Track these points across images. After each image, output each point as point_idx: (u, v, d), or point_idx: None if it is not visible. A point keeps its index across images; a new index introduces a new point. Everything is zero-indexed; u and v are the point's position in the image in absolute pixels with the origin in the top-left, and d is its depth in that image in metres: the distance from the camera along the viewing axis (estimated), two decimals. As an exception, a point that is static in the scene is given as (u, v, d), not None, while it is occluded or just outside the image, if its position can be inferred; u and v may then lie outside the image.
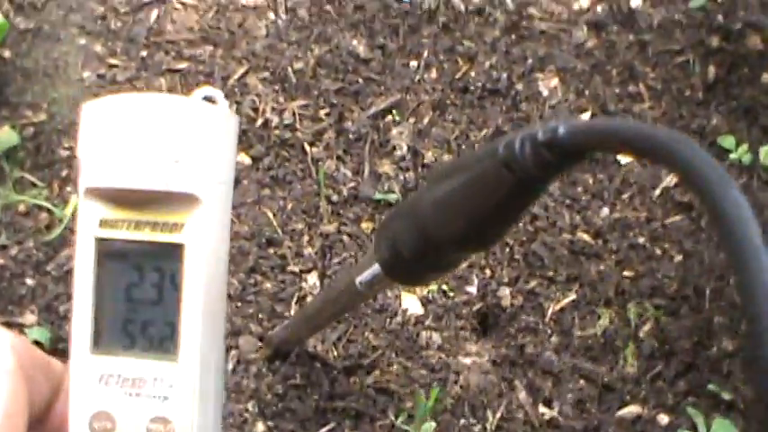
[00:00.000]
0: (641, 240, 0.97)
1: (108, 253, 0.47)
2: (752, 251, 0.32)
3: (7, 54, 1.03)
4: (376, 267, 0.58)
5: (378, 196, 0.95)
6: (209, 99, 0.49)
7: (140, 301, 0.47)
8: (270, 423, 0.81)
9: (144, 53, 1.04)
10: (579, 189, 0.99)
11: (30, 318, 0.86)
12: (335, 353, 0.86)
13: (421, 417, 0.76)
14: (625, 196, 1.00)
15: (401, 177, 0.96)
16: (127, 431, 0.46)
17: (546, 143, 0.41)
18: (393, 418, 0.82)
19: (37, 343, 0.82)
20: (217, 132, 0.48)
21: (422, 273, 0.54)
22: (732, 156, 1.03)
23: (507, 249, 0.94)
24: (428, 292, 0.90)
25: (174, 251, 0.47)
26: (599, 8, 1.13)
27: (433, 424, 0.79)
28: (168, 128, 0.46)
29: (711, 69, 1.10)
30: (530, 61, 1.07)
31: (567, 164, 0.42)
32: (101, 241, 0.47)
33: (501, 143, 0.43)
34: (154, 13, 1.07)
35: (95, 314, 0.46)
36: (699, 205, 1.00)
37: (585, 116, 1.04)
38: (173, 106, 0.46)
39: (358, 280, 0.61)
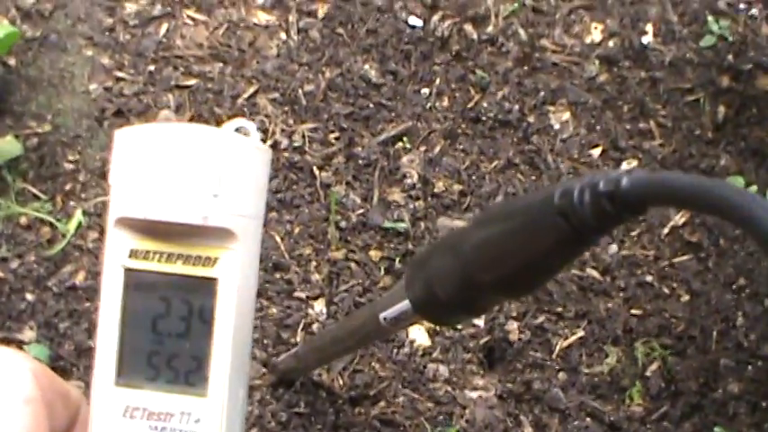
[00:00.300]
0: (649, 279, 0.96)
1: (137, 284, 0.46)
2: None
3: (13, 62, 1.01)
4: (405, 304, 0.56)
5: (387, 224, 0.93)
6: (241, 130, 0.48)
7: (169, 334, 0.46)
8: (272, 452, 0.79)
9: (152, 67, 1.03)
10: (588, 224, 0.98)
11: (29, 334, 0.84)
12: (341, 382, 0.84)
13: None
14: (634, 234, 0.99)
15: (411, 206, 0.95)
16: None
17: (608, 194, 0.40)
18: (398, 452, 0.81)
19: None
20: (253, 166, 0.47)
21: (455, 314, 0.53)
22: (740, 197, 1.03)
23: (516, 283, 0.93)
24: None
25: (208, 285, 0.46)
26: (610, 43, 1.13)
27: (442, 461, 0.77)
28: (206, 160, 0.45)
29: (721, 109, 1.10)
30: (542, 93, 1.06)
31: (628, 216, 0.41)
32: (129, 272, 0.46)
33: (557, 190, 0.42)
34: (163, 28, 1.06)
35: (120, 345, 0.46)
36: (708, 245, 1.00)
37: (596, 151, 1.04)
38: (211, 138, 0.45)
39: (383, 315, 0.59)
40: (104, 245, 0.44)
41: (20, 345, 0.82)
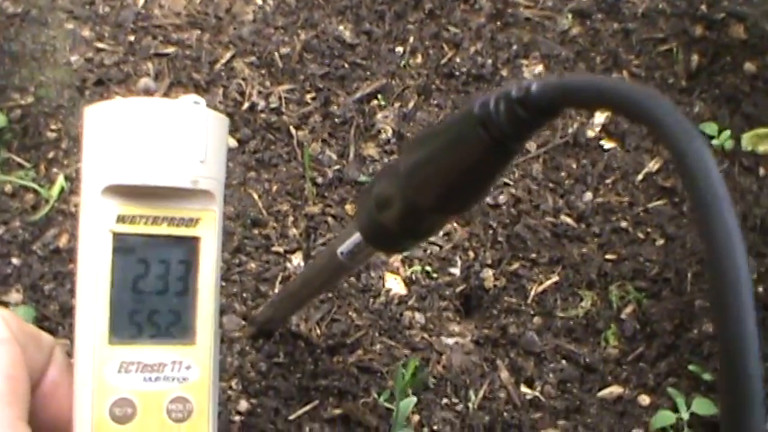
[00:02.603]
0: (624, 224, 0.98)
1: (124, 247, 0.50)
2: (712, 190, 0.33)
3: (-5, 37, 1.04)
4: (357, 236, 0.58)
5: (363, 179, 0.95)
6: (196, 104, 0.52)
7: (155, 291, 0.51)
8: (253, 401, 0.81)
9: (131, 38, 1.05)
10: (563, 174, 1.00)
11: (15, 296, 0.86)
12: (319, 332, 0.86)
13: (401, 390, 0.77)
14: (608, 181, 1.01)
15: (386, 160, 0.97)
16: (147, 414, 0.50)
17: (520, 100, 0.42)
18: (376, 396, 0.83)
19: (22, 321, 0.82)
20: (224, 135, 0.53)
21: (401, 239, 0.55)
22: (714, 142, 1.04)
23: (491, 232, 0.95)
24: (411, 273, 0.91)
25: (191, 244, 0.51)
26: (585, -3, 1.14)
27: (414, 398, 0.79)
28: (192, 130, 0.50)
29: (695, 58, 1.11)
30: (514, 48, 1.08)
31: (541, 120, 0.43)
32: (117, 236, 0.49)
33: (476, 103, 0.44)
34: (141, -2, 1.08)
35: (111, 307, 0.50)
36: (682, 190, 1.01)
37: (569, 102, 1.05)
38: (192, 111, 0.50)
39: (339, 250, 0.61)
40: (84, 212, 0.49)
41: (6, 307, 0.84)
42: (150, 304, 0.51)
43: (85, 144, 0.50)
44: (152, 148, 0.49)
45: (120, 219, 0.50)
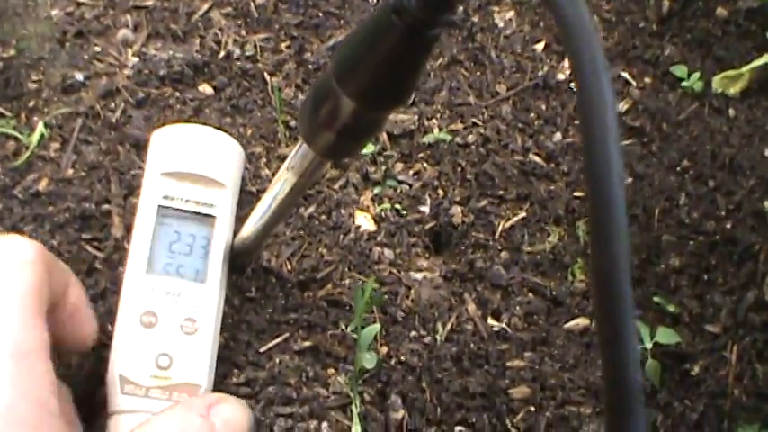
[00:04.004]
0: (593, 164, 0.99)
1: (164, 215, 0.79)
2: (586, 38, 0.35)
3: (-23, -8, 1.06)
4: (303, 146, 0.61)
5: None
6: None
7: (183, 253, 0.78)
8: (226, 334, 0.84)
9: (111, -9, 1.07)
10: (532, 115, 1.02)
11: (-5, 237, 0.88)
12: (289, 267, 0.88)
13: (360, 312, 0.79)
14: (577, 122, 1.02)
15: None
16: (166, 324, 0.75)
17: None
18: (344, 328, 0.85)
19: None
20: (238, 153, 0.85)
21: (343, 142, 0.57)
22: (684, 84, 1.06)
23: (459, 170, 0.96)
24: (381, 211, 0.93)
25: (210, 220, 0.80)
26: (557, -55, 1.15)
27: (377, 326, 0.81)
28: (216, 145, 0.84)
29: (666, 3, 1.13)
30: (485, -6, 1.09)
31: (443, 3, 0.45)
32: (161, 208, 0.79)
33: None
34: (121, -47, 1.10)
35: (150, 253, 0.77)
36: (650, 130, 1.03)
37: (539, 46, 1.07)
38: (221, 137, 0.85)
39: (289, 165, 0.64)
40: (144, 190, 0.79)
41: (-13, 246, 0.86)
42: (179, 260, 0.77)
43: (151, 148, 0.83)
44: (191, 151, 0.82)
45: (165, 197, 0.79)
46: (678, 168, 1.00)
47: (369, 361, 0.80)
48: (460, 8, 1.07)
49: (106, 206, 0.90)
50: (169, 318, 0.75)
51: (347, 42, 0.51)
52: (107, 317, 0.83)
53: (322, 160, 0.61)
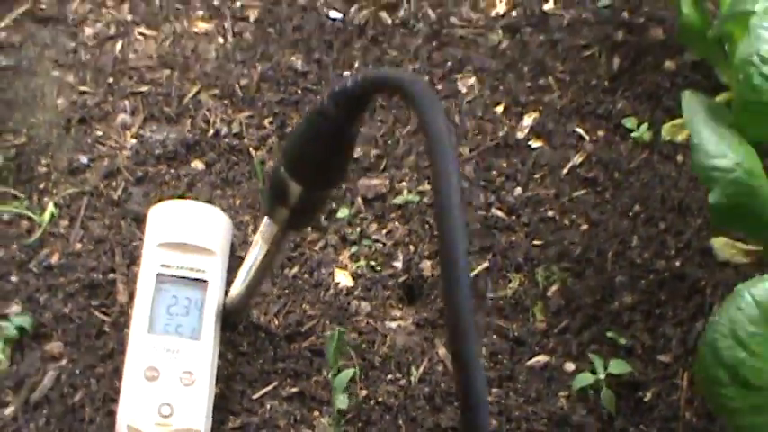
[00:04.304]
0: (551, 213, 1.09)
1: (162, 281, 0.91)
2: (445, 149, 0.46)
3: (-10, 87, 1.18)
4: (266, 222, 0.72)
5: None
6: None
7: (180, 314, 0.90)
8: (221, 385, 0.94)
9: (110, 80, 1.19)
10: (494, 172, 1.12)
11: (15, 308, 0.99)
12: (277, 322, 0.99)
13: (332, 355, 0.89)
14: (537, 176, 1.12)
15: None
16: (166, 378, 0.86)
17: (339, 93, 0.56)
18: (326, 374, 0.95)
19: (21, 329, 0.96)
20: (226, 225, 0.96)
21: (297, 217, 0.69)
22: (634, 134, 1.16)
23: (427, 227, 1.07)
24: (357, 268, 1.03)
25: (203, 284, 0.92)
26: (514, 13, 1.27)
27: (352, 370, 0.91)
28: (207, 219, 0.96)
29: (616, 60, 1.23)
30: (449, 64, 1.20)
31: (357, 106, 0.57)
32: (159, 276, 0.91)
33: (324, 97, 0.59)
34: (118, 45, 1.22)
35: (151, 314, 0.89)
36: (603, 179, 1.13)
37: (499, 109, 1.18)
38: (210, 210, 0.98)
39: (260, 235, 0.75)
40: (144, 260, 0.92)
41: (6, 317, 0.97)
42: (177, 320, 0.90)
43: (149, 223, 0.96)
44: (184, 224, 0.95)
45: (162, 265, 0.92)
46: (630, 213, 1.10)
47: (343, 402, 0.90)
48: (427, 78, 1.18)
49: (111, 275, 1.01)
50: (169, 372, 0.87)
51: (290, 138, 0.63)
52: (114, 374, 0.94)
53: (283, 233, 0.73)
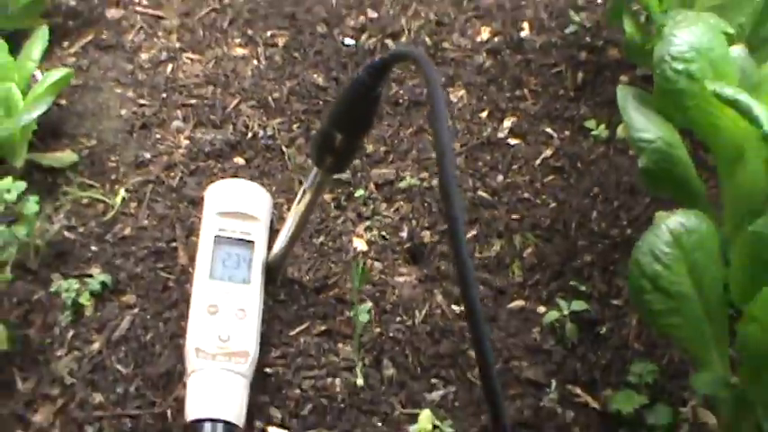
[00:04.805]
0: (526, 195, 1.35)
1: (219, 241, 1.17)
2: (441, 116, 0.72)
3: (63, 102, 1.44)
4: (314, 170, 0.99)
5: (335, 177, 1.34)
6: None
7: (232, 266, 1.16)
8: (264, 326, 1.18)
9: (164, 95, 1.45)
10: (480, 163, 1.38)
11: (96, 270, 1.24)
12: (307, 278, 1.23)
13: (359, 282, 1.13)
14: (515, 167, 1.38)
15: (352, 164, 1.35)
16: (225, 313, 1.11)
17: (370, 66, 0.83)
18: (349, 314, 1.20)
19: (103, 284, 1.21)
20: (267, 197, 1.24)
21: (338, 160, 0.96)
22: (594, 132, 1.42)
23: (426, 205, 1.32)
24: (371, 236, 1.28)
25: (250, 245, 1.18)
26: (496, 39, 1.54)
27: (370, 304, 1.16)
28: (253, 193, 1.24)
29: (580, 75, 1.50)
30: (443, 80, 1.47)
31: (382, 73, 0.83)
32: (216, 237, 1.17)
33: (360, 71, 0.86)
34: (170, 67, 1.49)
35: (212, 266, 1.16)
36: (569, 167, 1.38)
37: (484, 114, 1.44)
38: (255, 187, 1.26)
39: (305, 188, 1.01)
40: (204, 225, 1.19)
41: (90, 276, 1.22)
42: (230, 271, 1.15)
43: (207, 196, 1.24)
44: (236, 197, 1.22)
45: (220, 229, 1.18)
46: (591, 194, 1.36)
47: (364, 316, 1.15)
48: (425, 91, 1.44)
49: (173, 244, 1.26)
50: (226, 308, 1.12)
51: (336, 102, 0.90)
52: (177, 319, 1.18)
53: (327, 176, 0.99)
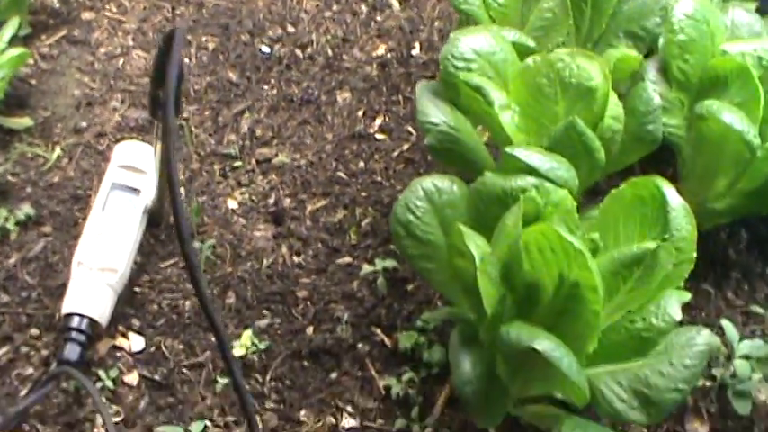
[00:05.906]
0: (379, 179, 1.66)
1: (114, 186, 1.76)
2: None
3: (34, 82, 1.81)
4: (155, 123, 1.31)
5: (223, 151, 1.67)
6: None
7: (121, 200, 1.64)
8: (144, 259, 1.51)
9: (111, 82, 1.81)
10: (347, 151, 1.69)
11: (26, 206, 1.59)
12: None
13: (195, 215, 1.46)
14: (376, 156, 1.69)
15: (240, 143, 1.68)
16: (106, 239, 1.46)
17: (163, 41, 1.15)
18: (201, 246, 1.52)
19: (28, 216, 1.56)
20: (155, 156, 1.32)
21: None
22: (448, 135, 1.72)
23: (293, 179, 1.64)
24: (243, 200, 1.61)
25: (136, 191, 1.54)
26: (389, 54, 1.86)
27: (213, 241, 1.48)
28: (147, 153, 1.54)
29: (450, 89, 1.80)
30: (333, 83, 1.80)
31: (170, 46, 1.15)
32: (113, 183, 1.54)
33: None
34: (121, 61, 1.85)
35: (105, 203, 1.63)
36: (418, 161, 1.68)
37: (360, 113, 1.75)
38: (149, 149, 1.53)
39: (154, 144, 1.34)
40: (105, 174, 1.52)
41: (20, 209, 1.57)
42: (117, 208, 1.51)
43: (114, 152, 1.56)
44: (133, 155, 1.54)
45: (116, 177, 1.51)
46: (433, 183, 1.65)
47: (206, 251, 1.46)
48: (317, 92, 1.77)
49: (89, 192, 1.61)
50: (109, 235, 1.45)
51: (155, 72, 1.22)
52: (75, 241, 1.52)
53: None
